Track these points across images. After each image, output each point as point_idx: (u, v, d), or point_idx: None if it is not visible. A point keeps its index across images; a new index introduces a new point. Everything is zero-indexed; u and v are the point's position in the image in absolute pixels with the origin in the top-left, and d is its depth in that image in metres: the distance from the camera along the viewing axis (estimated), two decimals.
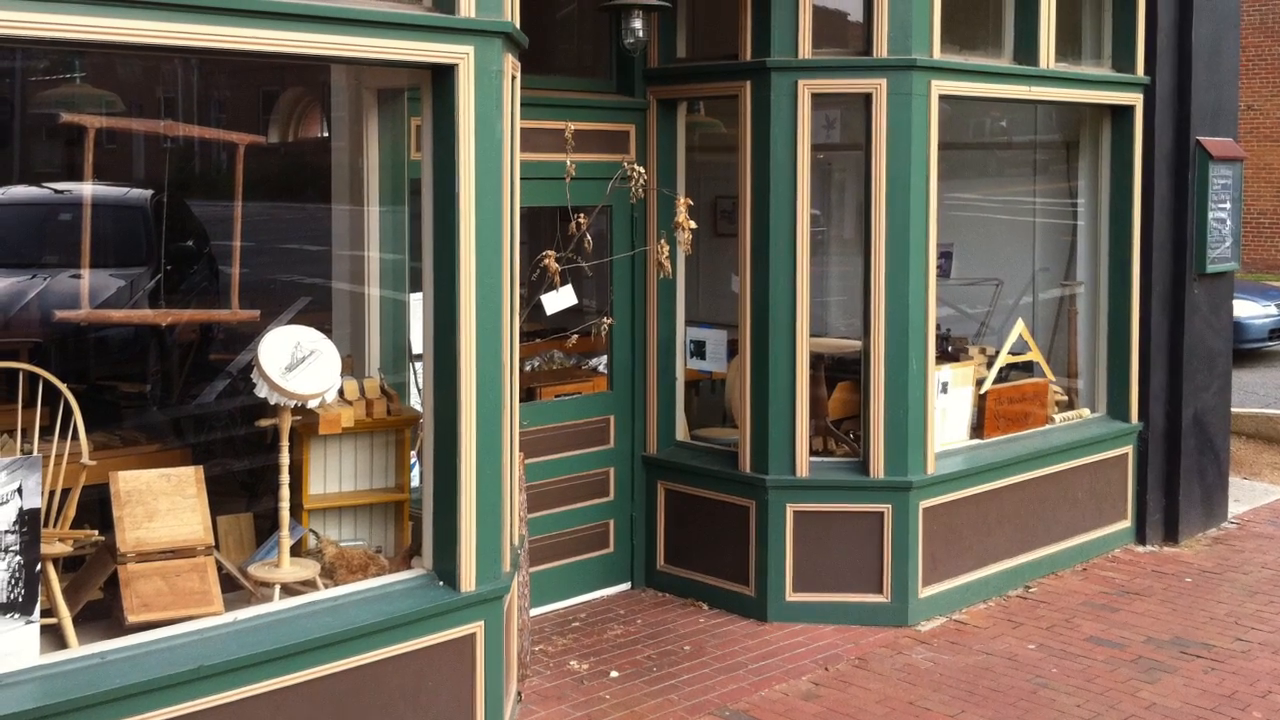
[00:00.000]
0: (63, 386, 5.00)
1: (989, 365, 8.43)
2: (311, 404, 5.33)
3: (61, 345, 7.57)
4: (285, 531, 5.29)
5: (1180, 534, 9.19)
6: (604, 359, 8.14)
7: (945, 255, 8.74)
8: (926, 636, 7.35)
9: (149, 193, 9.38)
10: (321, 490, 5.88)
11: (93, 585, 5.11)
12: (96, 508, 5.34)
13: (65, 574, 5.10)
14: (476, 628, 5.46)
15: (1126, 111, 8.89)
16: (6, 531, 4.47)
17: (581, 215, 6.58)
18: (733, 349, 7.91)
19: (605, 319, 7.15)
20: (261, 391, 5.22)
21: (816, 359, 7.78)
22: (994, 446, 8.22)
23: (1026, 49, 8.21)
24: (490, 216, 5.42)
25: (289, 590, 5.29)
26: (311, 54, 4.93)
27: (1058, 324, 9.41)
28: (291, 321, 5.79)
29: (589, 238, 6.66)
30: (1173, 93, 9.07)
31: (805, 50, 7.34)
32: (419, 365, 5.86)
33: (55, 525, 4.89)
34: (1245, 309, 16.24)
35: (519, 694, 6.27)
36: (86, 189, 5.94)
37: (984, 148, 10.16)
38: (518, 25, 5.68)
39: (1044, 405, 8.70)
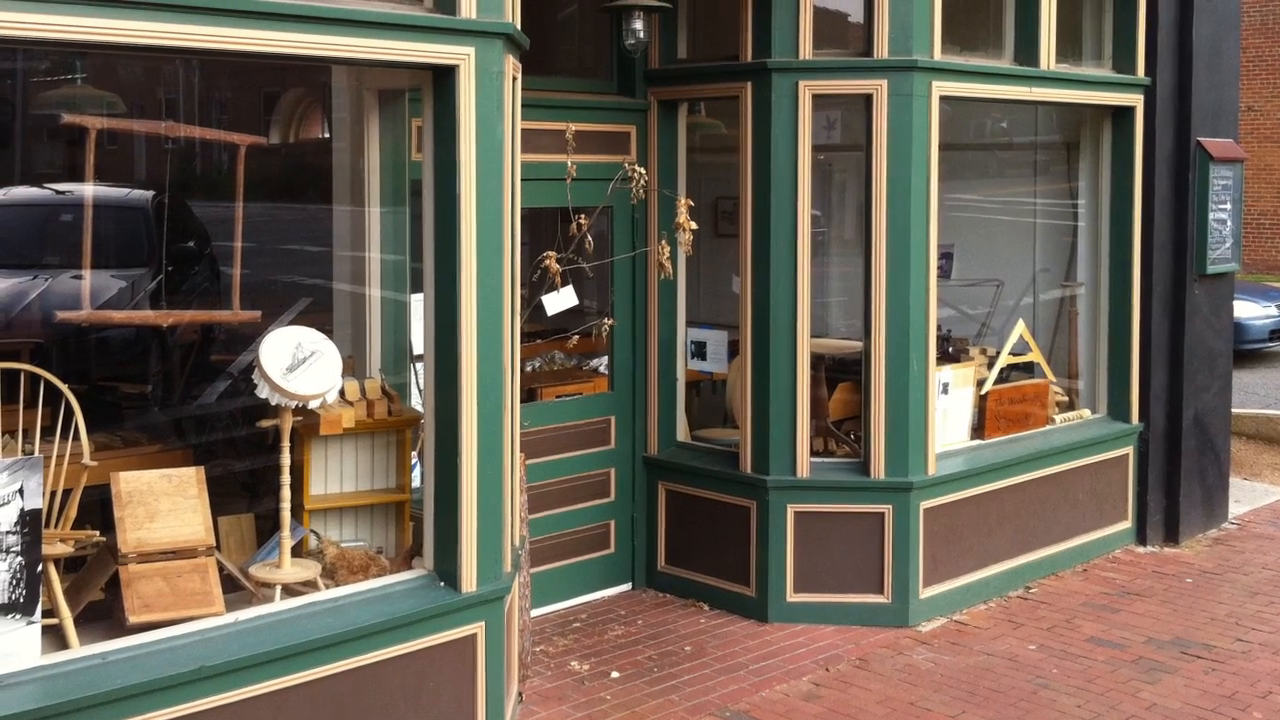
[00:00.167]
0: (64, 387, 5.00)
1: (990, 366, 8.43)
2: (312, 405, 5.33)
3: (63, 346, 7.58)
4: (286, 532, 5.30)
5: (1181, 535, 9.19)
6: (605, 360, 8.14)
7: (946, 256, 8.74)
8: (927, 637, 7.36)
9: (150, 193, 9.38)
10: (322, 491, 5.88)
11: (94, 586, 5.11)
12: (98, 508, 5.35)
13: (66, 574, 5.10)
14: (477, 628, 5.46)
15: (1127, 112, 8.89)
16: (8, 532, 4.47)
17: (582, 216, 6.58)
18: (733, 350, 7.92)
19: (606, 320, 7.15)
20: (263, 392, 5.23)
21: (817, 360, 7.78)
22: (995, 447, 8.22)
23: (1027, 50, 8.22)
24: (491, 217, 5.43)
25: (290, 591, 5.29)
26: (312, 55, 4.94)
27: (1058, 325, 9.41)
28: (293, 322, 5.79)
29: (590, 239, 6.67)
30: (1173, 94, 9.07)
31: (806, 51, 7.35)
32: (420, 366, 5.86)
33: (57, 526, 4.89)
34: (1246, 310, 16.24)
35: (520, 694, 6.28)
36: (88, 190, 5.95)
37: (985, 148, 10.16)
38: (518, 26, 5.68)
39: (1045, 406, 8.71)
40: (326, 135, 7.74)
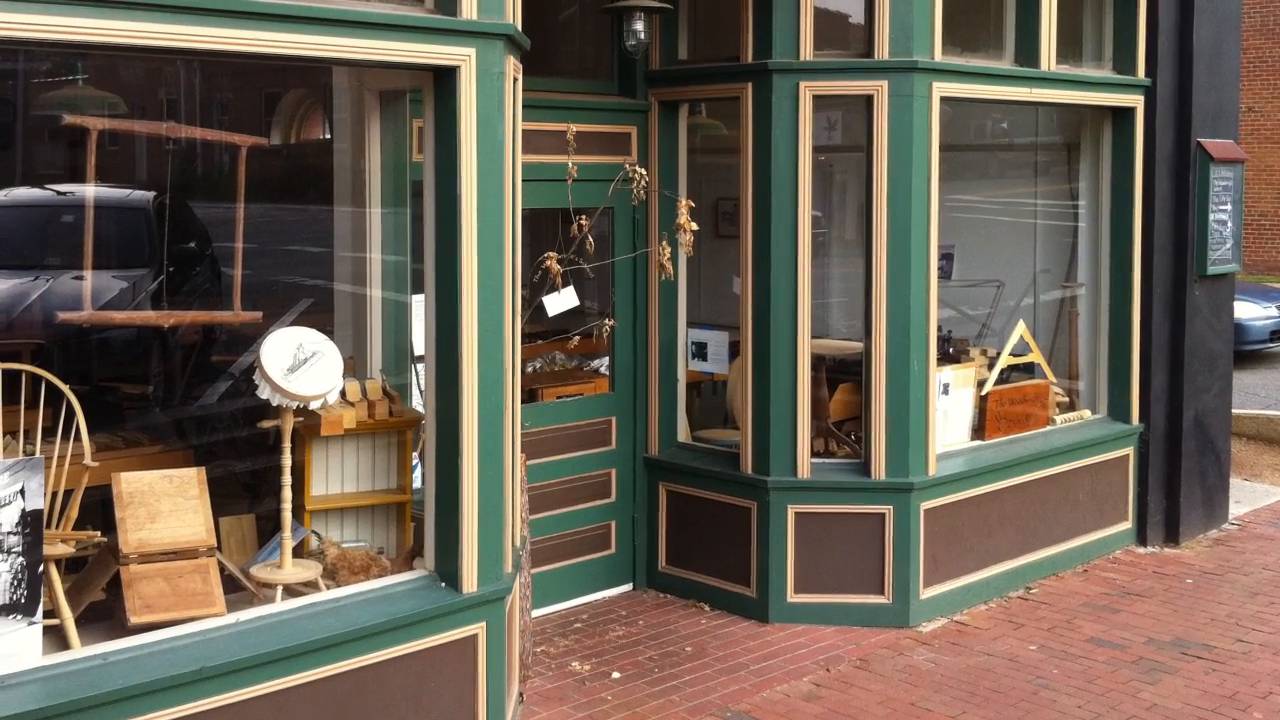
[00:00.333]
0: (65, 388, 5.00)
1: (990, 367, 8.44)
2: (313, 405, 5.33)
3: (64, 346, 7.58)
4: (287, 532, 5.30)
5: (1181, 535, 9.20)
6: (605, 360, 8.14)
7: (946, 257, 8.75)
8: (928, 637, 7.36)
9: (151, 194, 9.38)
10: (323, 491, 5.88)
11: (95, 586, 5.11)
12: (99, 509, 5.35)
13: (68, 575, 5.11)
14: (478, 629, 5.46)
15: (1127, 113, 8.90)
16: (9, 533, 4.48)
17: (583, 217, 6.59)
18: (734, 350, 7.92)
19: (607, 320, 7.15)
20: (263, 393, 5.23)
21: (818, 360, 7.78)
22: (995, 448, 8.23)
23: (1027, 51, 8.22)
24: (492, 218, 5.43)
25: (291, 591, 5.30)
26: (313, 56, 4.94)
27: (1059, 325, 9.41)
28: (293, 323, 5.79)
29: (591, 239, 6.67)
30: (1174, 94, 9.08)
31: (806, 52, 7.35)
32: (421, 367, 5.87)
33: (58, 526, 4.89)
34: (1246, 310, 16.24)
35: (521, 695, 6.28)
36: (89, 191, 5.96)
37: (985, 149, 10.17)
38: (519, 27, 5.69)
39: (1045, 407, 8.71)
40: (327, 136, 7.75)
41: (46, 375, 5.05)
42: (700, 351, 8.08)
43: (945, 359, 8.15)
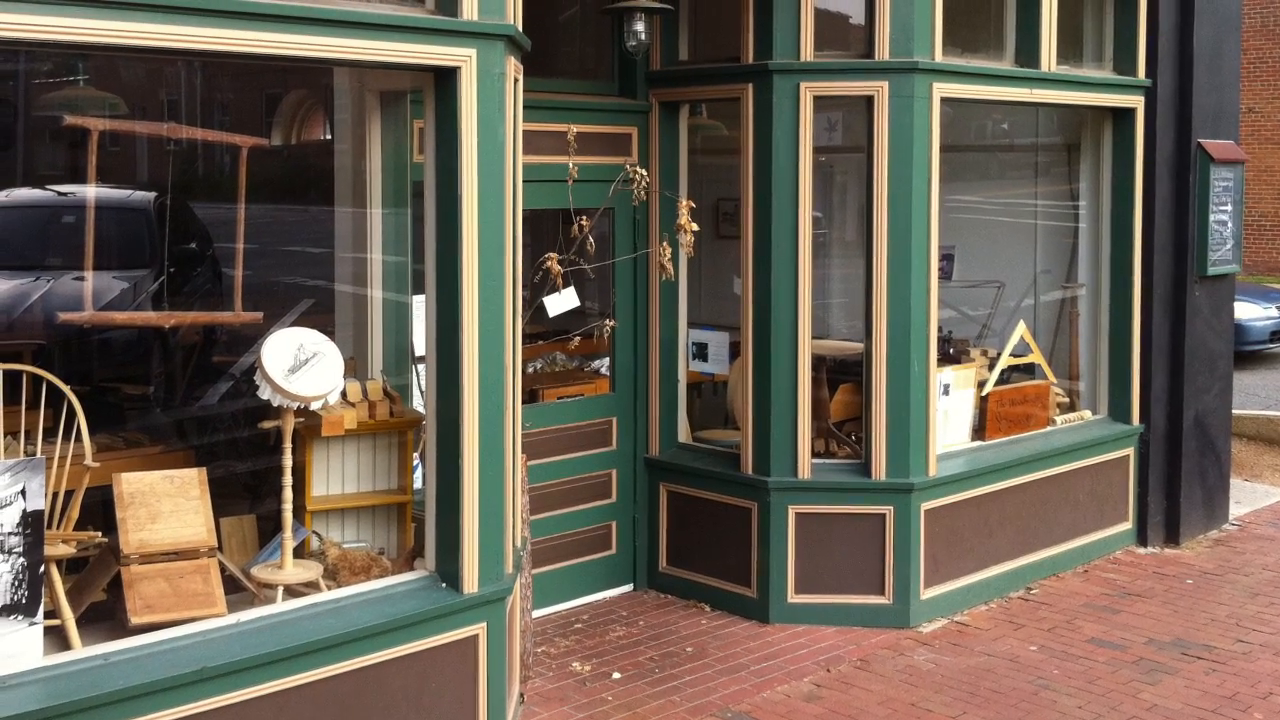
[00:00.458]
0: (66, 388, 5.01)
1: (990, 367, 8.44)
2: (314, 406, 5.34)
3: (65, 347, 7.58)
4: (288, 533, 5.31)
5: (1181, 536, 9.20)
6: (606, 361, 8.14)
7: (947, 257, 8.75)
8: (928, 638, 7.36)
9: (152, 195, 9.38)
10: (324, 492, 5.89)
11: (96, 587, 5.11)
12: (100, 509, 5.35)
13: (68, 575, 5.11)
14: (479, 629, 5.47)
15: (1128, 114, 8.90)
16: (10, 533, 4.48)
17: (584, 218, 6.59)
18: (735, 351, 7.92)
19: (607, 321, 7.15)
20: (264, 393, 5.24)
21: (818, 361, 7.79)
22: (995, 448, 8.23)
23: (1028, 51, 8.22)
24: (493, 219, 5.43)
25: (292, 592, 5.30)
26: (314, 57, 4.94)
27: (1059, 326, 9.41)
28: (294, 324, 5.79)
29: (591, 240, 6.67)
30: (1174, 95, 9.08)
31: (807, 53, 7.35)
32: (421, 367, 5.87)
33: (59, 527, 4.90)
34: (1246, 311, 16.24)
35: (521, 695, 6.28)
36: (90, 191, 5.96)
37: (985, 150, 10.17)
38: (520, 28, 5.69)
39: (1045, 407, 8.71)
40: (328, 137, 7.76)
41: (47, 376, 5.05)
42: (701, 352, 8.08)
43: (946, 359, 8.16)
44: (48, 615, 4.66)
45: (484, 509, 5.47)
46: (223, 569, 5.24)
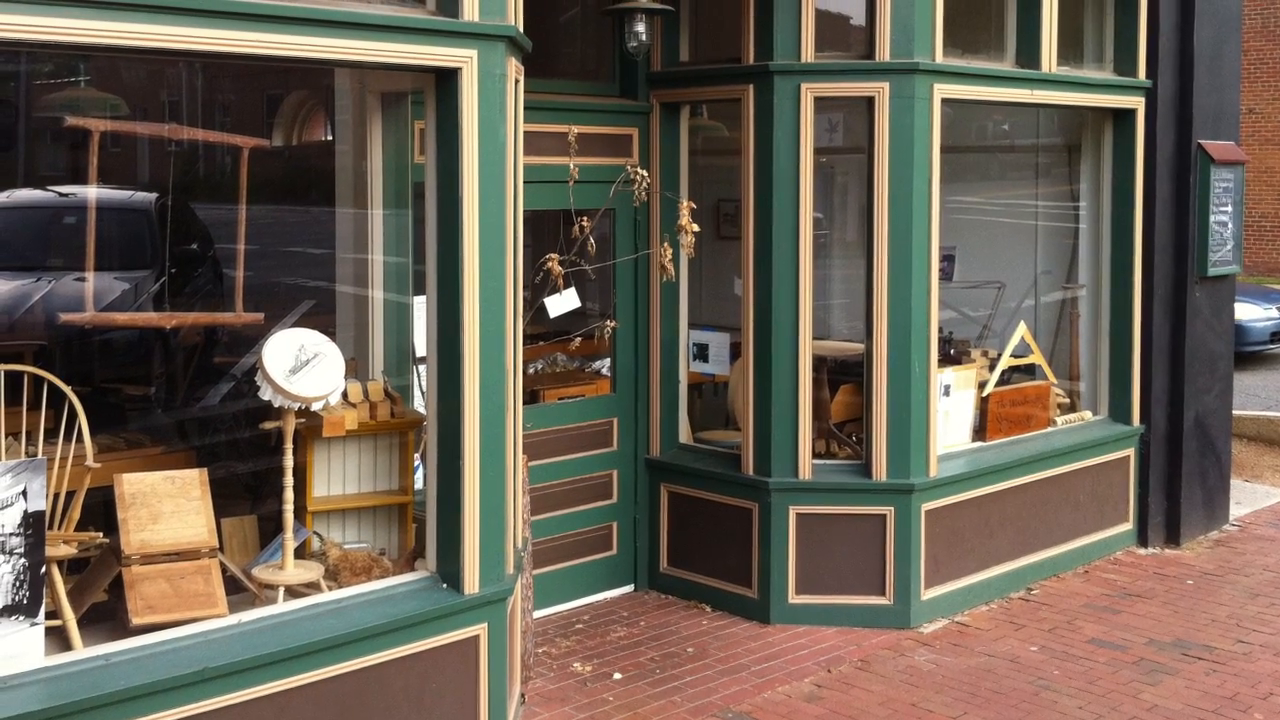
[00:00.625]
0: (67, 389, 5.01)
1: (991, 368, 8.44)
2: (315, 407, 5.34)
3: (66, 348, 7.58)
4: (289, 534, 5.31)
5: (1182, 536, 9.20)
6: (607, 362, 8.15)
7: (947, 258, 8.75)
8: (929, 638, 7.36)
9: (153, 196, 9.38)
10: (325, 493, 5.89)
11: (97, 587, 5.12)
12: (101, 510, 5.36)
13: (70, 576, 5.11)
14: (480, 630, 5.47)
15: (1128, 115, 8.90)
16: (11, 534, 4.48)
17: (585, 218, 6.59)
18: (735, 352, 7.93)
19: (608, 322, 7.15)
20: (265, 394, 5.24)
21: (819, 362, 7.79)
22: (996, 449, 8.23)
23: (1028, 52, 8.23)
24: (493, 220, 5.44)
25: (293, 592, 5.30)
26: (315, 58, 4.95)
27: (1059, 327, 9.42)
28: (295, 324, 5.80)
29: (592, 241, 6.67)
30: (1174, 96, 9.08)
31: (808, 54, 7.36)
32: (422, 368, 5.87)
33: (60, 528, 4.90)
34: (1246, 312, 16.25)
35: (522, 696, 6.28)
36: (91, 192, 5.96)
37: (986, 151, 10.17)
38: (521, 29, 5.69)
39: (1046, 408, 8.71)
40: (329, 138, 7.76)
41: (48, 376, 5.06)
42: (702, 353, 8.08)
43: (946, 360, 8.16)
44: (49, 616, 4.66)
45: (485, 510, 5.47)
46: (224, 569, 5.24)
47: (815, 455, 7.62)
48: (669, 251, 6.95)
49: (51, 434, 5.06)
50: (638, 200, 6.95)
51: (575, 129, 6.83)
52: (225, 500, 5.85)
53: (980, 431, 8.30)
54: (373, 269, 6.46)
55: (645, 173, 6.87)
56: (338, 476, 5.92)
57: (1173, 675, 6.85)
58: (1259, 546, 9.20)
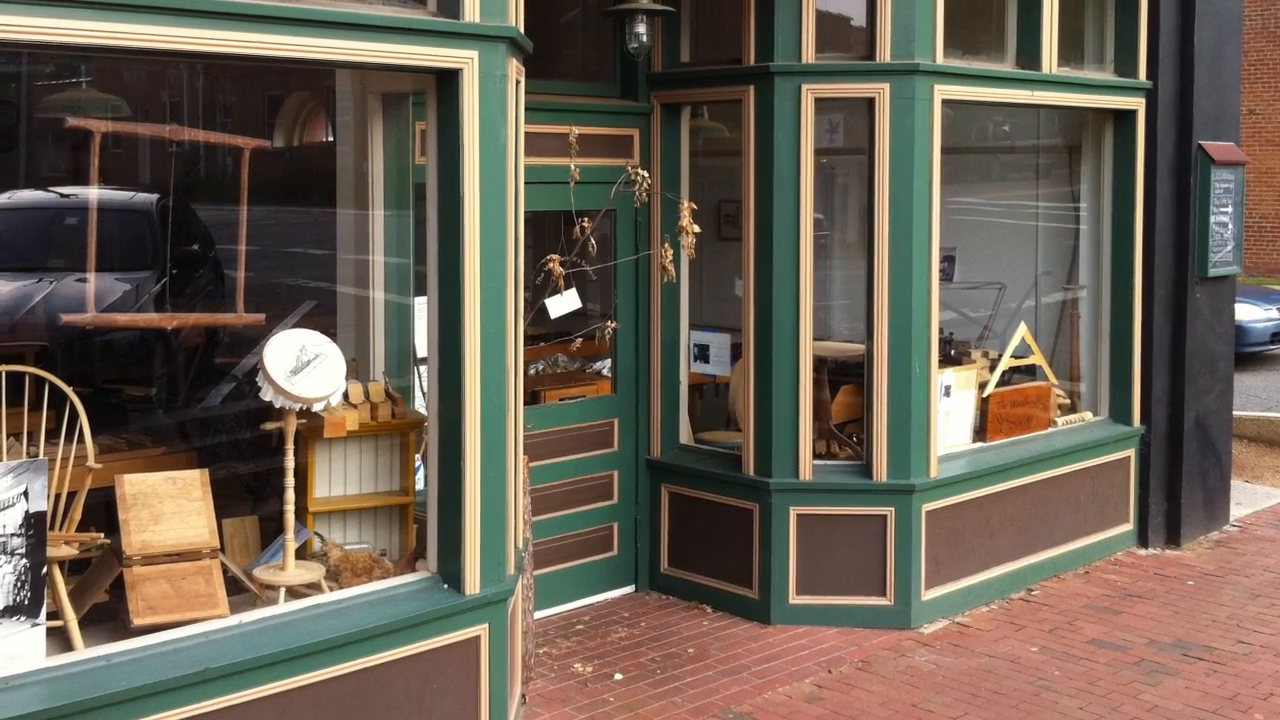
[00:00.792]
0: (68, 390, 5.01)
1: (992, 369, 8.44)
2: (316, 407, 5.34)
3: (67, 349, 7.59)
4: (290, 534, 5.31)
5: (1182, 537, 9.20)
6: (608, 362, 8.15)
7: (948, 259, 8.76)
8: (929, 639, 7.37)
9: (154, 197, 9.39)
10: (326, 493, 5.89)
11: (98, 588, 5.12)
12: (102, 511, 5.36)
13: (71, 577, 5.11)
14: (481, 630, 5.47)
15: (1129, 116, 8.90)
16: (13, 534, 4.49)
17: (586, 219, 6.59)
18: (736, 352, 7.93)
19: (609, 323, 7.16)
20: (266, 395, 5.24)
21: (820, 362, 7.79)
22: (997, 450, 8.24)
23: (1029, 53, 8.23)
24: (494, 220, 5.44)
25: (294, 593, 5.31)
26: (317, 59, 4.95)
27: (1060, 327, 9.42)
28: (296, 325, 5.80)
29: (593, 242, 6.68)
30: (1175, 97, 9.08)
31: (808, 55, 7.36)
32: (423, 369, 5.87)
33: (61, 528, 4.90)
34: (1247, 313, 16.26)
35: (523, 696, 6.29)
36: (92, 193, 5.96)
37: (986, 152, 10.18)
38: (522, 30, 5.70)
39: (1046, 409, 8.72)
40: (330, 139, 7.76)
41: (50, 377, 5.06)
42: (702, 353, 8.09)
43: (947, 361, 8.16)
44: (50, 616, 4.66)
45: (486, 510, 5.47)
46: (225, 570, 5.24)
47: (816, 456, 7.63)
48: (670, 252, 6.95)
49: (53, 435, 5.07)
50: (638, 201, 6.96)
51: (576, 130, 6.83)
52: (226, 501, 5.85)
53: (981, 432, 8.30)
54: (374, 270, 6.46)
55: (646, 174, 6.87)
56: (339, 477, 5.92)
57: (1173, 676, 6.85)
58: (1259, 547, 9.20)
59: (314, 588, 5.36)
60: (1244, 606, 7.93)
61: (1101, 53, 9.04)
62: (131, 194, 9.41)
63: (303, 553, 5.62)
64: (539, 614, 7.29)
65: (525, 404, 6.52)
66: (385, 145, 6.43)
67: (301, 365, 5.28)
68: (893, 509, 7.47)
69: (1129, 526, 9.10)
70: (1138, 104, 8.90)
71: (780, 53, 7.36)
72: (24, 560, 4.50)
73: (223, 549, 5.38)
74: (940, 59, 7.45)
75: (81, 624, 4.82)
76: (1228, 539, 9.41)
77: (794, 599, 7.51)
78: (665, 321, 8.01)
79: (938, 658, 7.09)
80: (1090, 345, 9.20)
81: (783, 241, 7.40)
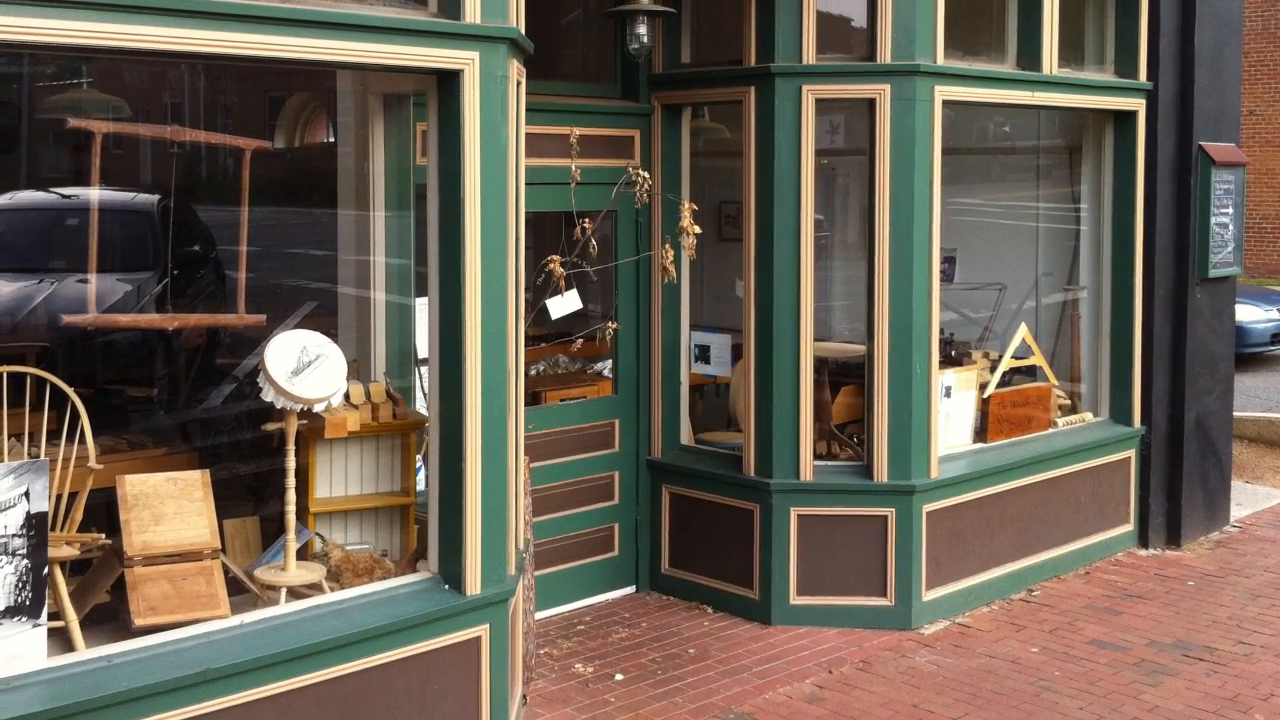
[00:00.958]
0: (70, 390, 5.02)
1: (992, 369, 8.45)
2: (317, 408, 5.35)
3: (68, 349, 7.59)
4: (291, 535, 5.32)
5: (1183, 537, 9.20)
6: (609, 363, 8.15)
7: (948, 260, 8.76)
8: (930, 639, 7.37)
9: (155, 197, 9.39)
10: (327, 494, 5.90)
11: (100, 588, 5.13)
12: (103, 511, 5.37)
13: (72, 577, 5.12)
14: (482, 631, 5.48)
15: (1129, 117, 8.91)
16: (14, 535, 4.49)
17: (586, 220, 6.59)
18: (737, 353, 7.93)
19: (610, 323, 7.16)
20: (268, 396, 5.25)
21: (820, 363, 7.79)
22: (997, 450, 8.24)
23: (1029, 54, 8.23)
24: (495, 221, 5.44)
25: (295, 593, 5.31)
26: (317, 60, 4.95)
27: (1060, 328, 9.42)
28: (297, 326, 5.81)
29: (594, 242, 6.68)
30: (1175, 98, 9.09)
31: (809, 56, 7.37)
32: (424, 369, 5.88)
33: (62, 529, 4.91)
34: (1247, 314, 16.27)
35: (524, 697, 6.29)
36: (93, 194, 5.97)
37: (987, 153, 10.18)
38: (523, 31, 5.70)
39: (1047, 409, 8.72)
40: (331, 140, 7.77)
41: (51, 378, 5.06)
42: (703, 354, 8.09)
43: (947, 362, 8.17)
44: (51, 617, 4.67)
45: (487, 511, 5.48)
46: (226, 571, 5.25)
47: (816, 456, 7.63)
48: (670, 253, 6.96)
49: (54, 435, 5.07)
50: (639, 202, 6.96)
51: (577, 131, 6.83)
52: (227, 501, 5.85)
53: (981, 433, 8.30)
54: (375, 271, 6.47)
55: (647, 174, 6.88)
56: (340, 478, 5.93)
57: (1174, 676, 6.86)
58: (1260, 548, 9.20)
59: (315, 588, 5.36)
60: (1244, 607, 7.93)
61: (1102, 54, 9.04)
62: (133, 195, 9.41)
63: (304, 553, 5.63)
64: (540, 614, 7.29)
65: (526, 405, 6.53)
66: (386, 146, 6.43)
67: (303, 366, 5.28)
68: (893, 510, 7.47)
69: (1129, 527, 9.10)
70: (1138, 105, 8.90)
71: (781, 54, 7.37)
72: (25, 561, 4.51)
73: (224, 549, 5.38)
74: (941, 60, 7.45)
75: (83, 624, 4.83)
76: (1228, 539, 9.41)
77: (795, 599, 7.51)
78: (666, 322, 8.01)
79: (938, 658, 7.09)
80: (1091, 346, 9.21)
81: (783, 242, 7.40)
